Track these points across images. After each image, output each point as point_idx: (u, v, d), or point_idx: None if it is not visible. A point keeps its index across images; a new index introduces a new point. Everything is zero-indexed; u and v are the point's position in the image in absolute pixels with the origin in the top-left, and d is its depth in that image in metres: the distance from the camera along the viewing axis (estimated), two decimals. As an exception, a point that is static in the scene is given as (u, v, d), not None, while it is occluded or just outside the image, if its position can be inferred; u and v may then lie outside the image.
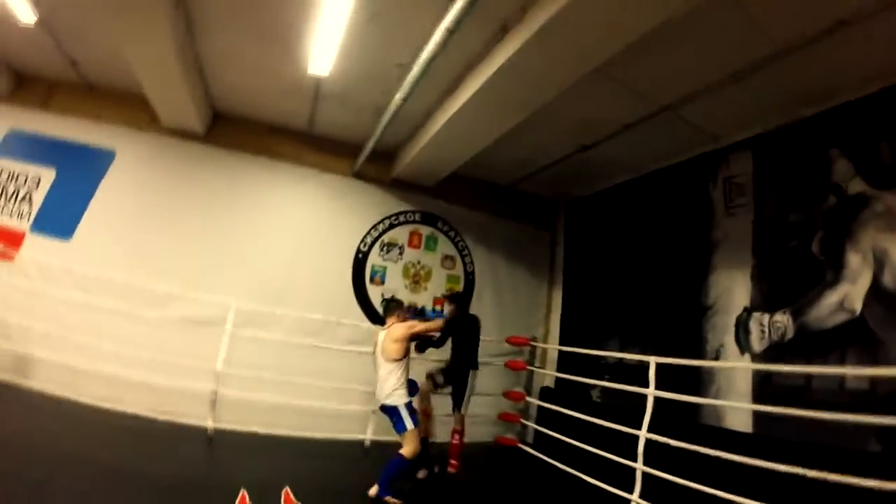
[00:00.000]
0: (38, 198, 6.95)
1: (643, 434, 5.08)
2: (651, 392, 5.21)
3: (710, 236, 6.07)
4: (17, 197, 6.92)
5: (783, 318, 5.10)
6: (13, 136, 7.11)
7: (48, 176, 7.03)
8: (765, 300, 5.36)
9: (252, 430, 6.03)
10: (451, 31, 4.35)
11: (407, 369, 5.18)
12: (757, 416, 5.04)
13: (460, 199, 8.33)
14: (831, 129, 4.99)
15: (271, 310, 6.63)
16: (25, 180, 6.98)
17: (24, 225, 6.83)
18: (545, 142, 6.91)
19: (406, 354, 5.19)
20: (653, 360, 5.31)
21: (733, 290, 5.71)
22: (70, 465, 4.15)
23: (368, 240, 7.88)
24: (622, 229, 7.53)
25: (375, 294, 7.74)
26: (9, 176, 6.96)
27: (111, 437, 5.23)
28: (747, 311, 5.49)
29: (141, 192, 7.09)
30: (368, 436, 6.45)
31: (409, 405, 5.03)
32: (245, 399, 6.11)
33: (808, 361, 4.74)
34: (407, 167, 7.57)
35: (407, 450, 4.82)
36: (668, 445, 4.82)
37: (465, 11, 4.08)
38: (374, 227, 7.94)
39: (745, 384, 5.28)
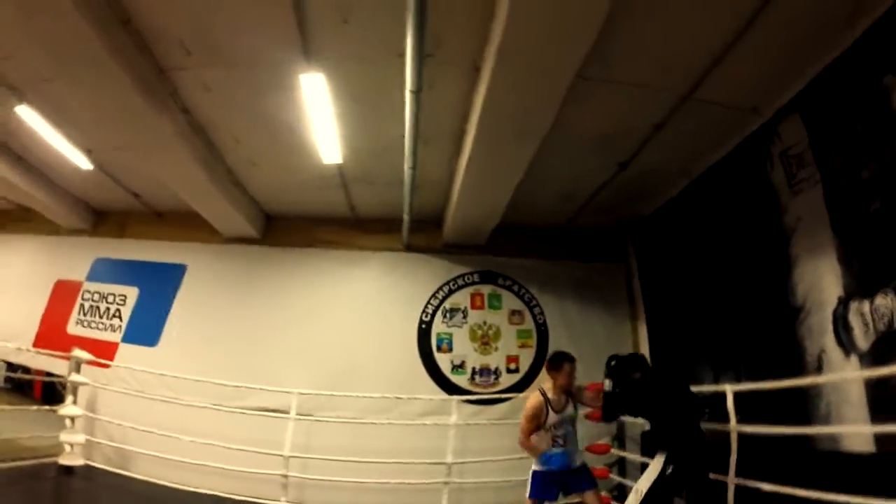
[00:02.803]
0: (126, 313, 7.73)
1: (731, 480, 3.96)
2: (733, 427, 4.16)
3: (782, 224, 4.89)
4: (108, 314, 7.76)
5: (887, 301, 3.81)
6: (99, 263, 8.05)
7: (132, 293, 7.81)
8: (860, 284, 4.08)
9: None
10: (415, 92, 4.15)
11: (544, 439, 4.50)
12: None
13: (517, 250, 7.74)
14: (877, 54, 3.82)
15: (336, 393, 6.60)
16: (114, 299, 7.80)
17: (117, 337, 7.59)
18: (578, 169, 6.22)
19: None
20: (729, 389, 4.28)
21: (822, 280, 4.45)
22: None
23: (430, 309, 7.50)
24: (692, 243, 6.41)
25: (445, 362, 7.28)
26: (100, 297, 7.83)
27: None
28: (843, 303, 4.22)
29: (211, 296, 7.65)
30: None
31: (534, 473, 4.53)
32: (319, 480, 6.11)
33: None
34: (452, 229, 7.26)
35: None
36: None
37: (419, 69, 3.88)
38: (434, 295, 7.58)
39: (857, 392, 3.97)
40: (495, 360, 7.30)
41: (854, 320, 4.10)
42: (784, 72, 4.47)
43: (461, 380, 7.15)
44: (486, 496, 6.16)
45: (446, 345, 7.32)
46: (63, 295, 7.92)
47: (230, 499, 5.92)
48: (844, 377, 4.09)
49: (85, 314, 7.78)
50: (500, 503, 6.03)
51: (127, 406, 6.56)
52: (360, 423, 6.34)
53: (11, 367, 7.93)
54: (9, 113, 5.45)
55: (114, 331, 7.60)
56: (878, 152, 3.89)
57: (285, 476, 6.00)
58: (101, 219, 8.32)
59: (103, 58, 4.12)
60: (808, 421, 4.34)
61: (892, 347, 3.73)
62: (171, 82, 4.93)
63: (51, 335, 7.58)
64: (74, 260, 8.05)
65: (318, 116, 5.11)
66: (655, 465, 3.76)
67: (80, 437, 6.39)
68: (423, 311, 7.44)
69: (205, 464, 6.06)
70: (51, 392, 7.56)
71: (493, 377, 7.20)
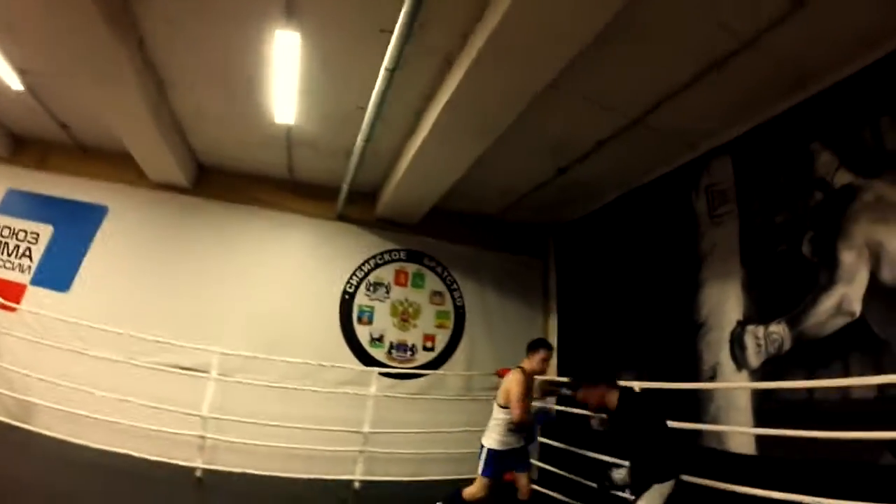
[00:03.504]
0: (38, 253, 6.98)
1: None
2: None
3: (698, 249, 5.50)
4: (17, 252, 6.96)
5: (779, 329, 4.47)
6: (12, 194, 7.18)
7: (46, 232, 7.06)
8: (758, 311, 4.74)
9: (241, 471, 5.78)
10: (391, 70, 4.23)
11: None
12: (759, 435, 4.37)
13: (446, 234, 7.92)
14: (809, 122, 4.46)
15: (258, 356, 6.37)
16: (25, 236, 7.02)
17: (25, 278, 6.87)
18: (522, 167, 6.50)
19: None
20: (636, 385, 4.72)
21: (725, 303, 5.09)
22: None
23: (354, 280, 7.50)
24: (611, 251, 6.98)
25: (364, 334, 7.34)
26: (9, 232, 7.01)
27: (105, 477, 5.24)
28: (741, 325, 4.87)
29: (133, 244, 7.07)
30: (357, 476, 6.18)
31: (491, 453, 4.74)
32: (235, 442, 5.93)
33: (810, 372, 4.10)
34: (387, 206, 7.30)
35: (468, 490, 4.69)
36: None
37: (401, 49, 3.96)
38: (360, 267, 7.57)
39: (744, 401, 4.62)
40: (413, 336, 7.48)
41: (749, 341, 4.75)
42: (726, 117, 5.03)
43: (379, 353, 7.26)
44: (399, 467, 6.36)
45: (367, 317, 7.37)
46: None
47: (143, 459, 5.55)
48: (739, 386, 4.72)
49: None
50: (412, 473, 6.30)
51: (31, 355, 6.02)
52: (279, 388, 6.23)
53: None
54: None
55: (22, 271, 6.90)
56: (793, 203, 4.52)
57: (202, 437, 5.82)
58: (19, 146, 7.42)
59: None
60: (698, 421, 4.97)
61: (778, 368, 4.40)
62: (134, 12, 4.54)
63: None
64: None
65: (283, 75, 4.96)
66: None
67: None
68: (348, 282, 7.43)
69: (117, 421, 5.67)
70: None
71: (409, 353, 7.39)
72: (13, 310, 6.50)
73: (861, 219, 3.96)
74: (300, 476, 5.86)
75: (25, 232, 7.03)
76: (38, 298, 6.65)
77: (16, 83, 5.81)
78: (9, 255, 6.94)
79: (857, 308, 3.86)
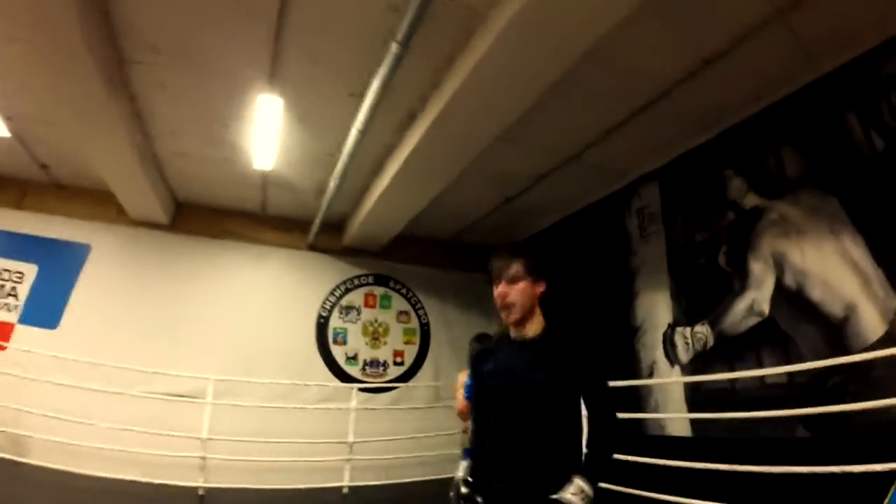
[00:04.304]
0: (24, 291, 6.87)
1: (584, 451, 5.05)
2: (585, 414, 5.20)
3: (630, 263, 6.18)
4: (2, 291, 6.83)
5: (703, 329, 5.16)
6: None
7: (31, 271, 6.94)
8: (685, 315, 5.43)
9: (240, 487, 6.07)
10: (362, 132, 4.83)
11: None
12: (693, 420, 5.03)
13: (408, 258, 8.37)
14: (723, 152, 5.17)
15: (251, 380, 6.73)
16: (9, 276, 6.89)
17: (13, 317, 6.72)
18: (472, 197, 7.06)
19: None
20: None
21: (657, 309, 5.77)
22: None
23: (328, 305, 7.86)
24: (559, 266, 7.59)
25: (339, 354, 7.72)
26: None
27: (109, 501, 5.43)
28: (671, 327, 5.55)
29: (116, 280, 7.10)
30: (346, 482, 6.55)
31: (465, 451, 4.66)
32: (232, 460, 6.18)
33: (730, 364, 4.77)
34: (354, 236, 7.71)
35: None
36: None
37: (371, 114, 4.55)
38: (332, 292, 7.94)
39: (678, 393, 5.28)
40: (384, 353, 7.90)
41: (678, 341, 5.43)
42: (652, 151, 5.74)
43: (354, 370, 7.64)
44: (381, 473, 6.78)
45: (341, 338, 7.74)
46: (-55, 268, 6.92)
47: (148, 483, 5.73)
48: (673, 381, 5.37)
49: None
50: (394, 477, 6.73)
51: (23, 392, 5.92)
52: (268, 408, 6.56)
53: None
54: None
55: (9, 310, 6.76)
56: (709, 224, 5.25)
57: (203, 458, 6.07)
58: None
59: (76, 42, 3.94)
60: (641, 412, 5.60)
61: (705, 362, 5.08)
62: (127, 72, 4.83)
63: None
64: (-40, 228, 6.99)
65: (263, 132, 5.33)
66: None
67: None
68: (322, 307, 7.78)
69: (123, 449, 5.80)
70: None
71: (381, 368, 7.80)
72: (2, 349, 6.43)
73: (767, 234, 4.68)
74: (294, 486, 6.18)
75: (9, 272, 6.86)
76: (26, 336, 6.58)
77: (2, 130, 5.84)
78: None
79: (765, 309, 4.58)
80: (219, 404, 6.37)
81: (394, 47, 3.75)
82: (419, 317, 8.31)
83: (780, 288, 4.48)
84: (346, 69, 4.57)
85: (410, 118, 5.13)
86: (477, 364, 2.43)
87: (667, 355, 5.55)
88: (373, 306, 8.11)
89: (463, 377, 4.36)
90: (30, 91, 5.11)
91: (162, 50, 4.49)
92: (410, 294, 8.36)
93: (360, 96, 4.63)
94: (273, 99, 4.80)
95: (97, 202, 7.19)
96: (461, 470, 2.18)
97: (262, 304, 7.50)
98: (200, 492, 5.97)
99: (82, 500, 5.35)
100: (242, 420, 6.42)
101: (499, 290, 2.29)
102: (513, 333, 2.30)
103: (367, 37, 4.12)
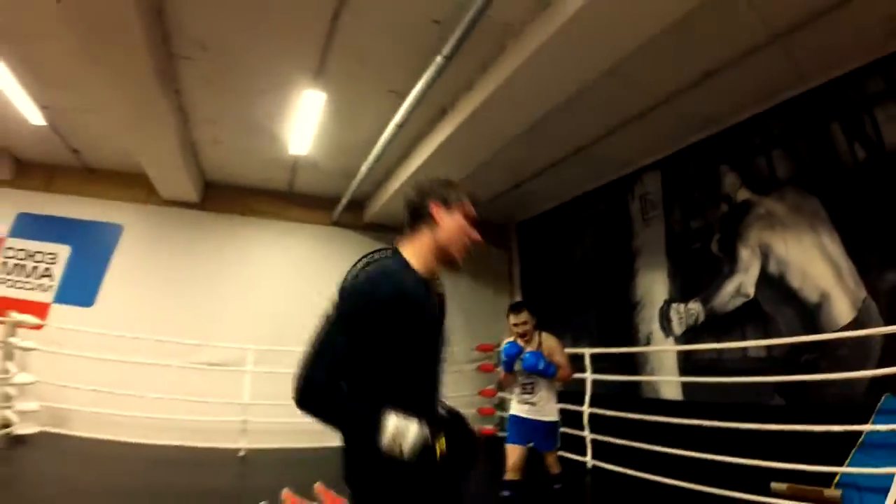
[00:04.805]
0: (58, 272, 7.21)
1: (586, 409, 5.81)
2: (588, 376, 6.04)
3: (632, 245, 6.72)
4: (36, 272, 7.13)
5: (695, 306, 5.76)
6: (23, 217, 7.28)
7: (64, 252, 7.28)
8: (680, 293, 6.03)
9: (278, 447, 6.53)
10: (400, 126, 5.24)
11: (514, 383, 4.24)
12: (684, 386, 5.68)
13: (425, 232, 8.75)
14: (720, 149, 5.65)
15: (282, 347, 6.88)
16: (42, 257, 7.20)
17: (48, 297, 7.07)
18: (483, 181, 7.34)
19: None
20: (587, 352, 6.08)
21: (655, 287, 6.37)
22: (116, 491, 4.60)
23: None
24: (565, 243, 8.15)
25: (361, 322, 8.16)
26: (25, 254, 7.17)
27: (154, 465, 5.55)
28: (667, 303, 6.15)
29: (150, 257, 7.52)
30: None
31: (509, 417, 4.33)
32: (269, 423, 6.54)
33: (717, 338, 5.39)
34: (376, 214, 8.16)
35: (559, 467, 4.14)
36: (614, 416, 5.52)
37: (412, 111, 4.94)
38: (355, 265, 8.25)
39: (671, 362, 5.93)
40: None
41: (673, 315, 6.04)
42: (655, 144, 6.21)
43: (372, 336, 8.16)
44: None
45: (364, 307, 8.25)
46: (-21, 250, 7.14)
47: (193, 447, 6.13)
48: (668, 349, 6.01)
49: (9, 273, 7.08)
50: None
51: (61, 368, 6.20)
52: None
53: None
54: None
55: (44, 290, 7.08)
56: (704, 213, 5.78)
57: (244, 422, 6.56)
58: (22, 170, 7.43)
59: (134, 41, 4.14)
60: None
61: (696, 335, 5.70)
62: (175, 67, 5.09)
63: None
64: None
65: (304, 122, 5.68)
66: None
67: (34, 405, 6.08)
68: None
69: (168, 417, 6.26)
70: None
71: (400, 335, 8.33)
72: (39, 328, 6.47)
73: (755, 226, 5.24)
74: (327, 445, 6.70)
75: (42, 253, 7.19)
76: (63, 314, 6.89)
77: (38, 118, 6.06)
78: (27, 276, 7.11)
79: (751, 291, 5.18)
80: (257, 372, 6.83)
81: (439, 59, 4.16)
82: (434, 287, 8.79)
83: (764, 274, 5.07)
84: (389, 69, 4.96)
85: (441, 113, 5.54)
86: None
87: (662, 328, 6.17)
88: (392, 278, 8.55)
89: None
90: (74, 82, 5.36)
91: (210, 47, 4.78)
92: (426, 266, 8.81)
93: (399, 94, 5.05)
94: (317, 94, 5.14)
95: (128, 184, 7.51)
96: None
97: (290, 277, 7.92)
98: (241, 453, 6.38)
99: (127, 467, 5.48)
100: (278, 385, 6.86)
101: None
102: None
103: (410, 42, 4.52)
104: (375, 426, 1.29)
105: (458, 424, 1.46)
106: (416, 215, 1.65)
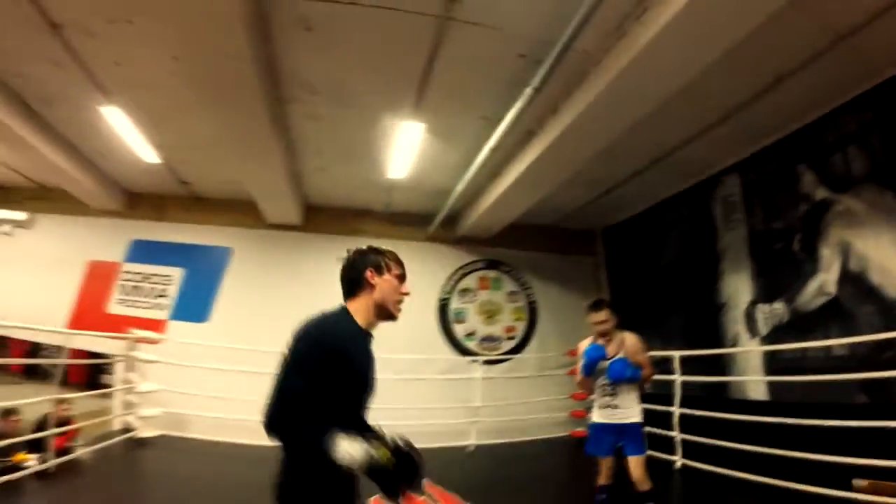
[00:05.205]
0: (172, 292, 8.04)
1: (676, 410, 5.88)
2: (678, 378, 6.08)
3: (717, 247, 6.75)
4: (153, 293, 7.97)
5: (779, 306, 5.75)
6: (138, 244, 8.13)
7: (177, 274, 8.11)
8: (764, 293, 6.02)
9: None
10: (493, 149, 5.77)
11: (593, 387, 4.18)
12: (770, 386, 5.67)
13: (515, 244, 9.17)
14: (796, 149, 5.60)
15: (387, 355, 7.60)
16: (158, 279, 8.03)
17: (164, 314, 7.88)
18: (569, 195, 7.78)
19: None
20: (676, 354, 6.10)
21: (740, 288, 6.37)
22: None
23: (448, 288, 8.95)
24: (650, 248, 8.22)
25: (460, 331, 8.84)
26: (142, 277, 8.02)
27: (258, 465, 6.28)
28: (752, 304, 6.15)
29: (258, 276, 8.29)
30: (472, 441, 7.51)
31: (589, 426, 4.35)
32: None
33: (802, 337, 5.33)
34: (469, 228, 8.64)
35: (648, 482, 3.85)
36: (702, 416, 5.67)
37: (504, 136, 5.43)
38: (450, 277, 9.00)
39: (757, 362, 5.92)
40: (497, 329, 8.93)
41: (759, 316, 6.04)
42: (732, 146, 6.22)
43: (472, 345, 8.74)
44: (502, 433, 7.73)
45: (462, 317, 8.86)
46: (99, 275, 7.87)
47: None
48: (755, 349, 6.00)
49: (127, 294, 7.87)
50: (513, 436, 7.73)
51: (178, 378, 6.79)
52: (400, 380, 6.92)
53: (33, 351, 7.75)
54: (91, 111, 5.69)
55: (161, 309, 7.77)
56: (785, 213, 5.74)
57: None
58: (134, 200, 8.23)
59: (250, 88, 4.63)
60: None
61: (781, 335, 5.67)
62: (285, 108, 5.62)
63: (88, 316, 7.52)
64: (108, 241, 8.04)
65: (403, 151, 6.31)
66: None
67: (156, 411, 6.73)
68: (443, 290, 8.91)
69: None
70: (92, 374, 7.95)
71: (495, 343, 8.87)
72: (157, 343, 7.06)
73: (834, 224, 5.18)
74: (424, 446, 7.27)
75: (157, 275, 7.94)
76: (179, 330, 7.57)
77: (152, 157, 6.69)
78: (145, 296, 7.87)
79: (833, 290, 5.14)
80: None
81: (528, 91, 4.63)
82: (527, 295, 9.23)
83: (845, 271, 5.02)
84: (480, 99, 5.40)
85: (529, 135, 5.94)
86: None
87: (748, 328, 6.17)
88: (486, 288, 9.12)
89: (583, 345, 4.14)
90: (187, 125, 6.02)
91: (318, 90, 5.32)
92: (518, 276, 9.28)
93: (489, 119, 5.54)
94: (416, 125, 5.70)
95: (235, 210, 8.31)
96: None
97: (388, 291, 8.60)
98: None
99: (236, 466, 5.90)
100: (381, 391, 7.54)
101: None
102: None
103: (499, 75, 4.96)
104: (329, 445, 1.59)
105: (394, 442, 1.70)
106: (355, 284, 1.98)
